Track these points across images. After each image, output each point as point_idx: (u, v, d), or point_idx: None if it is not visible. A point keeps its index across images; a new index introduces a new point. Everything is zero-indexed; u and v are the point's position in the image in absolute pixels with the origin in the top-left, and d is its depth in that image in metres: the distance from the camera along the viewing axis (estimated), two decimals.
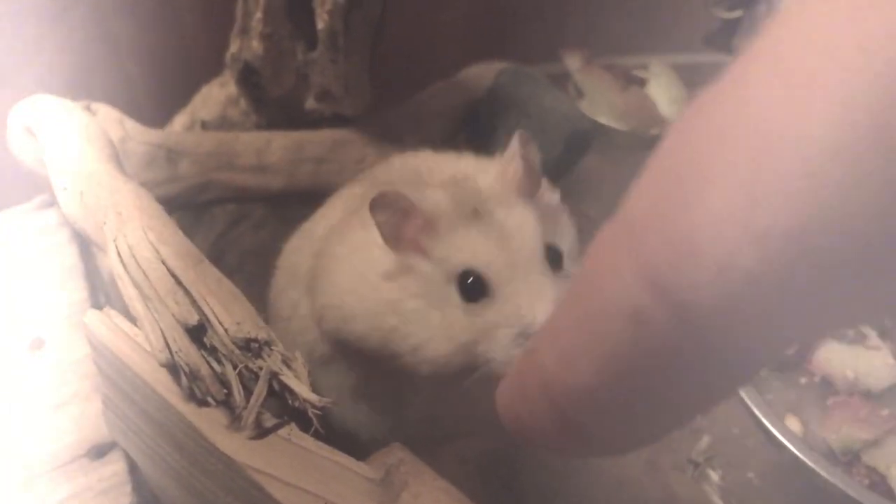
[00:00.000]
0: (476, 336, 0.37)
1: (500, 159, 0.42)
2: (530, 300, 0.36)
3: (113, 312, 0.42)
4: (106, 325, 0.41)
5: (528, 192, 0.41)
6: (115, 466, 0.45)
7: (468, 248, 0.38)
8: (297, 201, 0.64)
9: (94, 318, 0.42)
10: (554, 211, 0.42)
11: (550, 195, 0.44)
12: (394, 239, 0.38)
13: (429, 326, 0.38)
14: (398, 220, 0.38)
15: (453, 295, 0.38)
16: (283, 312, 0.48)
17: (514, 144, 0.41)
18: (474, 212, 0.38)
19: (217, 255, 0.68)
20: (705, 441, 0.54)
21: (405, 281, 0.39)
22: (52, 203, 0.58)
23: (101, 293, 0.54)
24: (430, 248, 0.38)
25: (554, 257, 0.38)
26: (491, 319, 0.37)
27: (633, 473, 0.52)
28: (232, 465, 0.37)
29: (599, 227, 0.21)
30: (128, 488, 0.44)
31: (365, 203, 0.39)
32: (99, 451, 0.46)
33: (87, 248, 0.56)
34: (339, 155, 0.65)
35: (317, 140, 0.64)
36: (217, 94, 0.69)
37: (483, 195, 0.39)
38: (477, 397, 0.43)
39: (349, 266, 0.41)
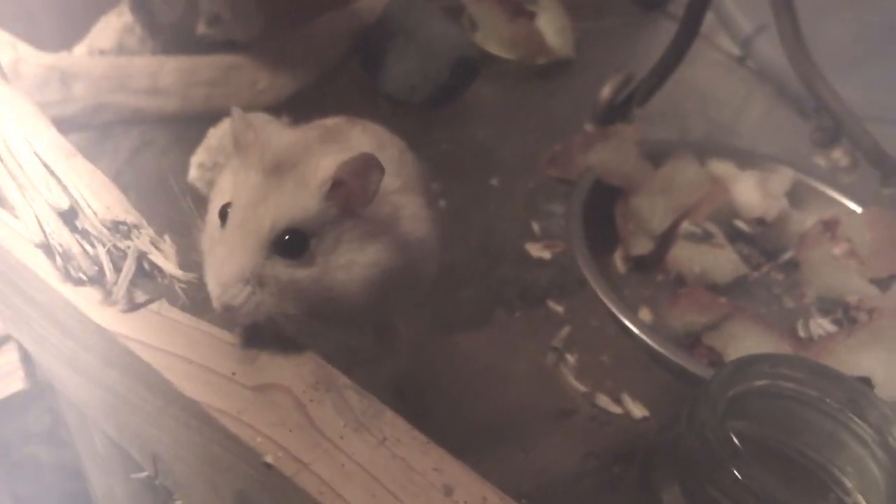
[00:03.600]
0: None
1: (331, 162, 0.40)
2: (217, 269, 0.39)
3: None
4: None
5: (347, 206, 0.40)
6: (8, 356, 0.49)
7: (230, 187, 0.41)
8: (193, 123, 0.68)
9: None
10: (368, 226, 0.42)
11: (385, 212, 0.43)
12: None
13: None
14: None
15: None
16: None
17: (346, 166, 0.39)
18: (274, 168, 0.40)
19: (123, 181, 0.71)
20: (566, 331, 0.59)
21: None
22: None
23: None
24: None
25: (291, 244, 0.39)
26: (208, 257, 0.40)
27: (499, 359, 0.58)
28: (106, 336, 0.41)
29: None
30: (20, 374, 0.48)
31: None
32: None
33: None
34: (233, 78, 0.68)
35: (210, 64, 0.67)
36: (114, 23, 0.72)
37: (293, 163, 0.40)
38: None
39: None
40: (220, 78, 0.67)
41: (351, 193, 0.40)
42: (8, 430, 0.53)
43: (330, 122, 0.48)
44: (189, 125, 0.70)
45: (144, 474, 0.45)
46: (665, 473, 0.44)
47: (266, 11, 0.69)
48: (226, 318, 0.40)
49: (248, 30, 0.67)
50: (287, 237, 0.39)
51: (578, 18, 0.90)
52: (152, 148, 0.72)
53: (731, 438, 0.40)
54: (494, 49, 0.83)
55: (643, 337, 0.56)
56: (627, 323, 0.57)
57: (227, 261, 0.38)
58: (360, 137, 0.46)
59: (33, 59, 0.62)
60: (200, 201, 0.66)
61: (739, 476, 0.39)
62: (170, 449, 0.42)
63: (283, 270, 0.39)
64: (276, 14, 0.71)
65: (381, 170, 0.39)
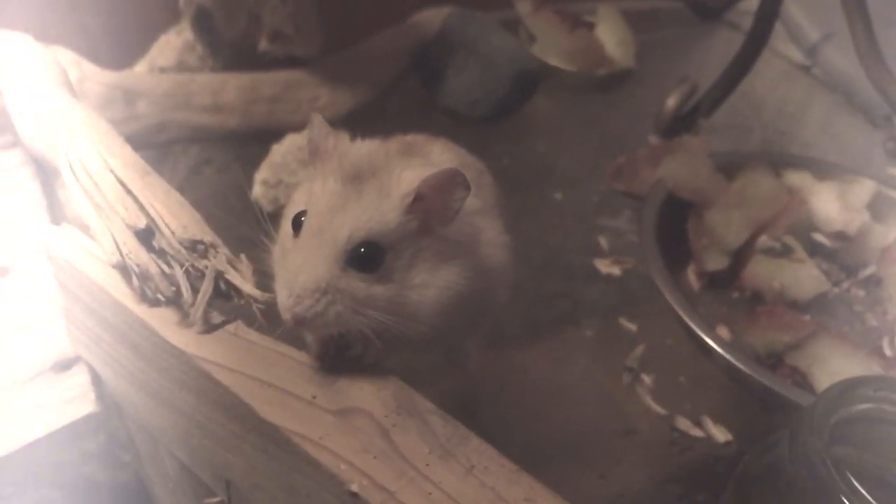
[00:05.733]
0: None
1: (415, 175, 0.38)
2: (290, 279, 0.36)
3: (69, 227, 0.44)
4: (63, 239, 0.44)
5: (426, 223, 0.39)
6: (78, 378, 0.48)
7: (306, 196, 0.39)
8: (253, 140, 0.67)
9: (52, 232, 0.44)
10: (452, 243, 0.40)
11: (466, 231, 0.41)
12: None
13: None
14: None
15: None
16: None
17: (431, 180, 0.37)
18: (354, 177, 0.38)
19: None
20: (640, 349, 0.57)
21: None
22: (16, 143, 0.60)
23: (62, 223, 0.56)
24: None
25: (367, 257, 0.37)
26: (280, 267, 0.38)
27: (570, 378, 0.56)
28: (183, 358, 0.39)
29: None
30: (91, 397, 0.47)
31: None
32: (64, 366, 0.49)
33: (49, 183, 0.58)
34: (293, 94, 0.67)
35: (271, 80, 0.67)
36: (174, 42, 0.72)
37: (373, 174, 0.38)
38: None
39: None
40: (281, 94, 0.67)
41: (432, 209, 0.38)
42: (73, 451, 0.53)
43: (409, 137, 0.47)
44: (246, 142, 0.70)
45: (217, 500, 0.44)
46: (764, 503, 0.41)
47: (327, 27, 0.68)
48: (295, 331, 0.38)
49: (309, 46, 0.67)
50: (363, 249, 0.37)
51: (637, 29, 0.89)
52: (212, 165, 0.72)
53: (841, 467, 0.37)
54: (554, 61, 0.81)
55: (726, 356, 0.54)
56: (709, 341, 0.54)
57: (301, 270, 0.36)
58: (442, 154, 0.45)
59: (97, 78, 0.62)
60: (264, 219, 0.66)
61: None
62: (245, 475, 0.41)
63: (357, 285, 0.37)
64: (336, 30, 0.71)
65: (467, 187, 0.37)
